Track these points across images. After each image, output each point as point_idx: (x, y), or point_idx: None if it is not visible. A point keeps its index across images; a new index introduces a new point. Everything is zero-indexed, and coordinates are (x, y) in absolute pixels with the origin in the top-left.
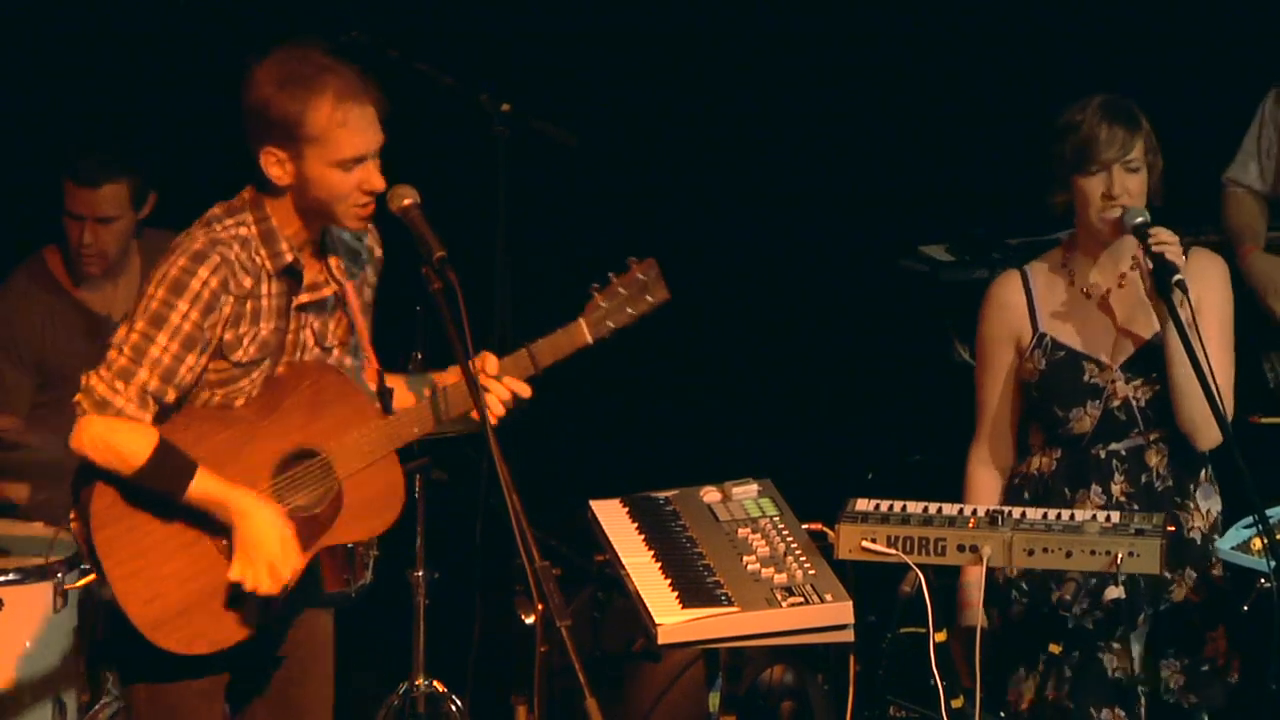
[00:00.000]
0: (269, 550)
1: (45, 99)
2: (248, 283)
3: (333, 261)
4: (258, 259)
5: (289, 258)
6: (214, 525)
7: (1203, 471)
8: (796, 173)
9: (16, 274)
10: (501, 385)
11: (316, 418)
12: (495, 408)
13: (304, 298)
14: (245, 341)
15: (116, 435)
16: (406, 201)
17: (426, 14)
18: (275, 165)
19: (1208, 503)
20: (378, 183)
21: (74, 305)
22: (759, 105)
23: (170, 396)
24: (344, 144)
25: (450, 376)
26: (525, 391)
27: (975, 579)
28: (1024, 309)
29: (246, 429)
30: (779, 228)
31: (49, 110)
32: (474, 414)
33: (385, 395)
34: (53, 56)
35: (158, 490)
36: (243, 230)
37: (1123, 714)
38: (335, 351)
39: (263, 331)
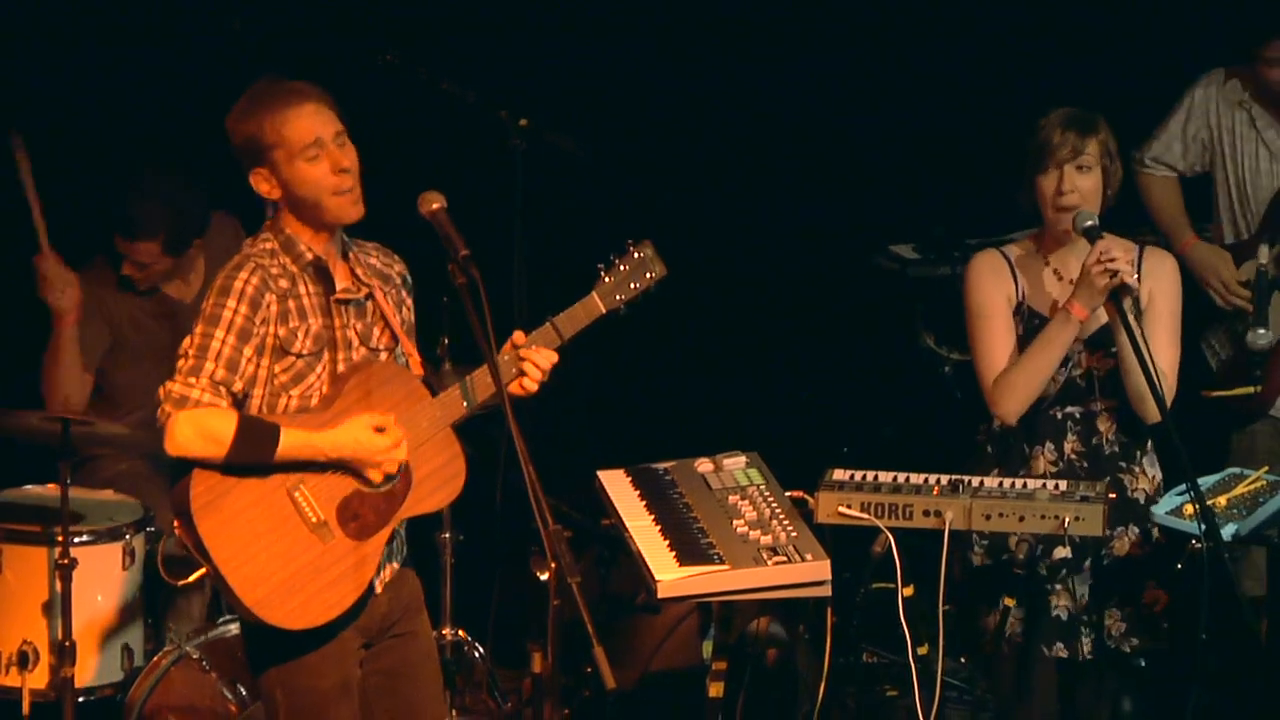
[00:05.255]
0: (371, 440)
1: (97, 114)
2: (284, 284)
3: (359, 271)
4: (286, 265)
5: (309, 256)
6: (300, 504)
7: (1148, 442)
8: (784, 179)
9: (97, 259)
10: (532, 352)
11: (377, 400)
12: (533, 374)
13: (339, 294)
14: (300, 335)
15: (203, 422)
16: (434, 205)
17: (452, 37)
18: (263, 183)
19: (1153, 469)
20: (344, 160)
21: (137, 291)
22: (755, 121)
23: (238, 386)
24: (295, 135)
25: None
26: (554, 357)
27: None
28: (1009, 276)
29: (316, 418)
30: (768, 228)
31: (101, 118)
32: (521, 385)
33: (430, 386)
34: (101, 78)
35: (252, 461)
36: (267, 245)
37: (1063, 648)
38: (382, 355)
39: (313, 326)
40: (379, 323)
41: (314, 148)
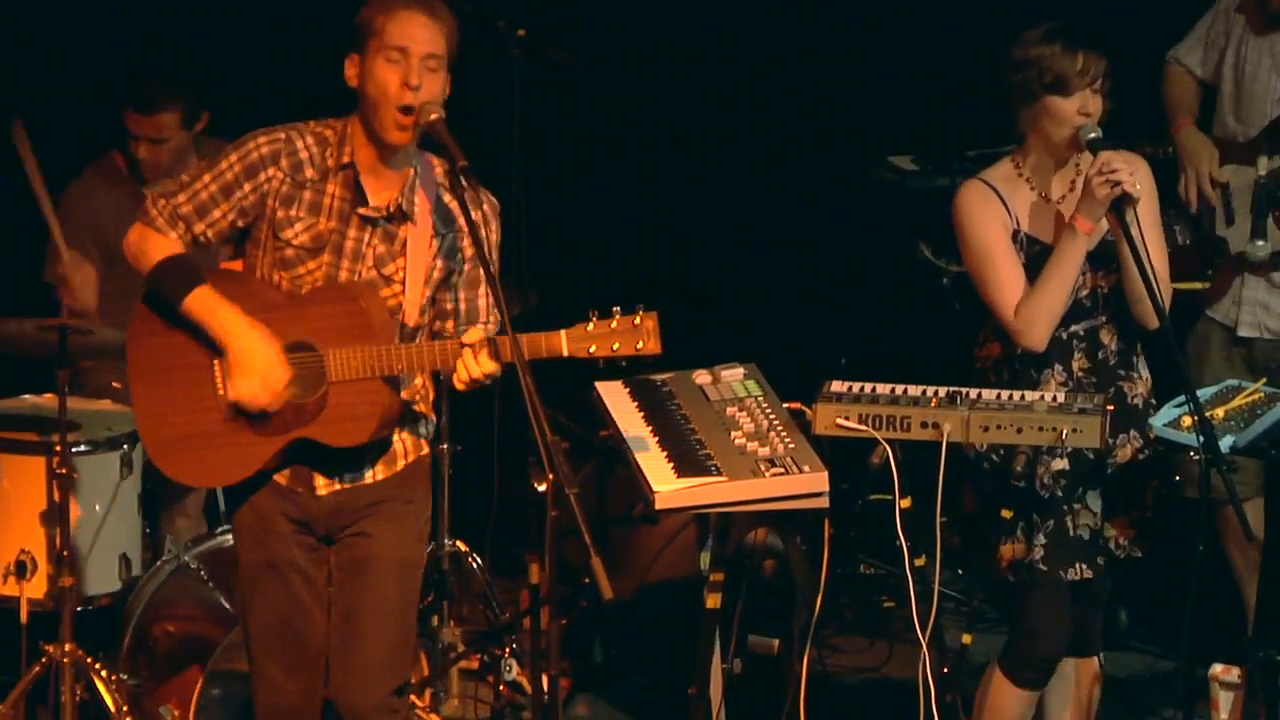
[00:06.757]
0: (257, 364)
1: (109, 14)
2: (309, 173)
3: (404, 200)
4: (329, 160)
5: (347, 159)
6: (216, 373)
7: (1138, 345)
8: (783, 91)
9: (87, 171)
10: (474, 354)
11: (330, 321)
12: (461, 374)
13: (366, 210)
14: (298, 227)
15: (144, 239)
16: (433, 116)
17: None
18: (352, 68)
19: (1145, 372)
20: (415, 79)
21: (139, 199)
22: (754, 32)
23: (199, 228)
24: (392, 33)
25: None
26: (491, 368)
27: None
28: (1001, 205)
29: (269, 305)
30: (767, 140)
31: (113, 22)
32: (455, 379)
33: (408, 336)
34: None
35: (165, 294)
36: (327, 133)
37: (1086, 568)
38: (396, 287)
39: (320, 225)
40: (402, 255)
41: (399, 53)
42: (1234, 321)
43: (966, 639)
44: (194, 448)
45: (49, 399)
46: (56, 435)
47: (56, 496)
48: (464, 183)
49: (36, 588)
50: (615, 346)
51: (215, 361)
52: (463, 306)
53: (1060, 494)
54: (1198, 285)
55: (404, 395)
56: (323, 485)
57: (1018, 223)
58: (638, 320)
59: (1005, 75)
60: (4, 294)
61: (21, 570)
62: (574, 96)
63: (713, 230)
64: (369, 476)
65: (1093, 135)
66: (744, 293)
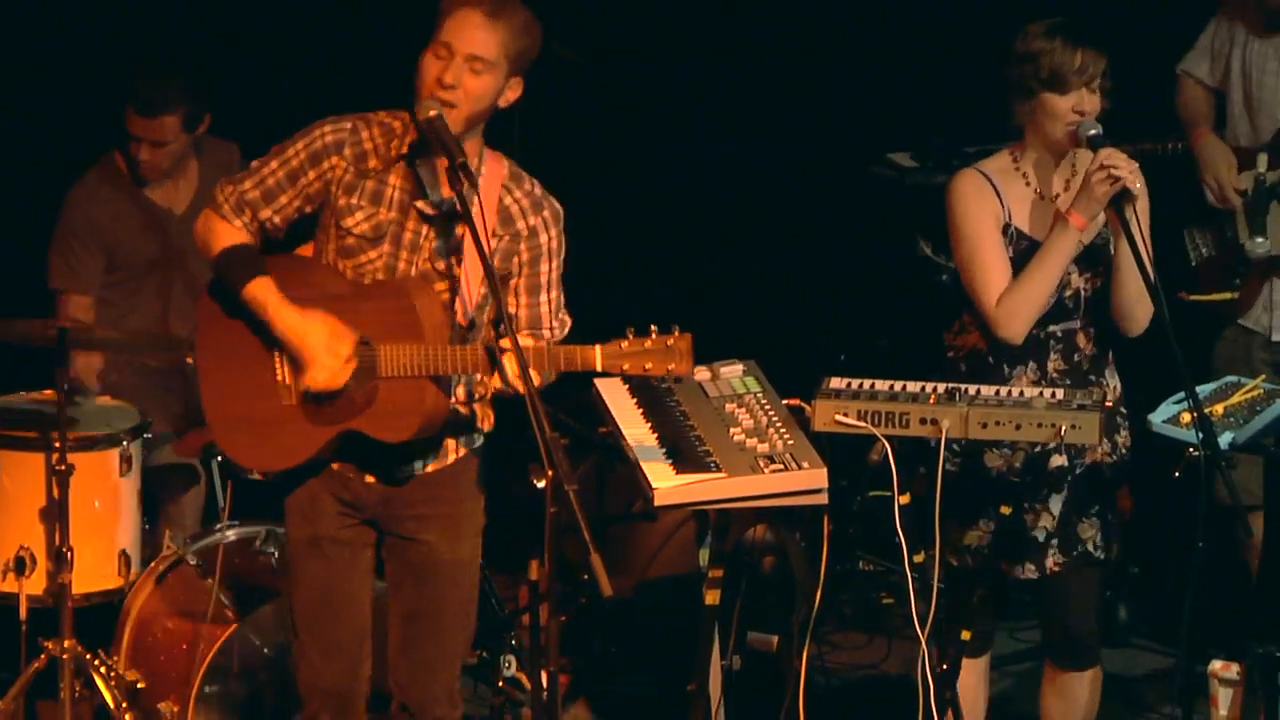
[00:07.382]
0: (319, 351)
1: (113, 15)
2: (373, 163)
3: (458, 199)
4: (393, 150)
5: (405, 150)
6: (276, 358)
7: (1110, 354)
8: (782, 88)
9: (90, 173)
10: (512, 361)
11: (384, 317)
12: (495, 380)
13: (423, 204)
14: (359, 215)
15: (211, 225)
16: (432, 113)
17: None
18: (421, 61)
19: (1113, 380)
20: (450, 77)
21: (140, 201)
22: (754, 29)
23: (265, 214)
24: (446, 28)
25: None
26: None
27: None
28: (995, 197)
29: (330, 295)
30: (767, 137)
31: (117, 21)
32: (495, 380)
33: (461, 333)
34: None
35: (226, 282)
36: (395, 123)
37: (1033, 569)
38: (451, 282)
39: (381, 215)
40: (459, 251)
41: (444, 48)
42: (1266, 328)
43: (965, 635)
44: (252, 432)
45: (48, 395)
46: (56, 431)
47: (56, 493)
48: (463, 179)
49: (36, 584)
50: (647, 366)
51: (275, 350)
52: (524, 313)
53: (1023, 490)
54: (1228, 295)
55: (463, 395)
56: (372, 476)
57: (1010, 216)
58: (671, 341)
59: (1005, 68)
60: (3, 293)
61: (21, 567)
62: (575, 94)
63: (712, 227)
64: (418, 470)
65: (1093, 132)
66: (743, 289)
